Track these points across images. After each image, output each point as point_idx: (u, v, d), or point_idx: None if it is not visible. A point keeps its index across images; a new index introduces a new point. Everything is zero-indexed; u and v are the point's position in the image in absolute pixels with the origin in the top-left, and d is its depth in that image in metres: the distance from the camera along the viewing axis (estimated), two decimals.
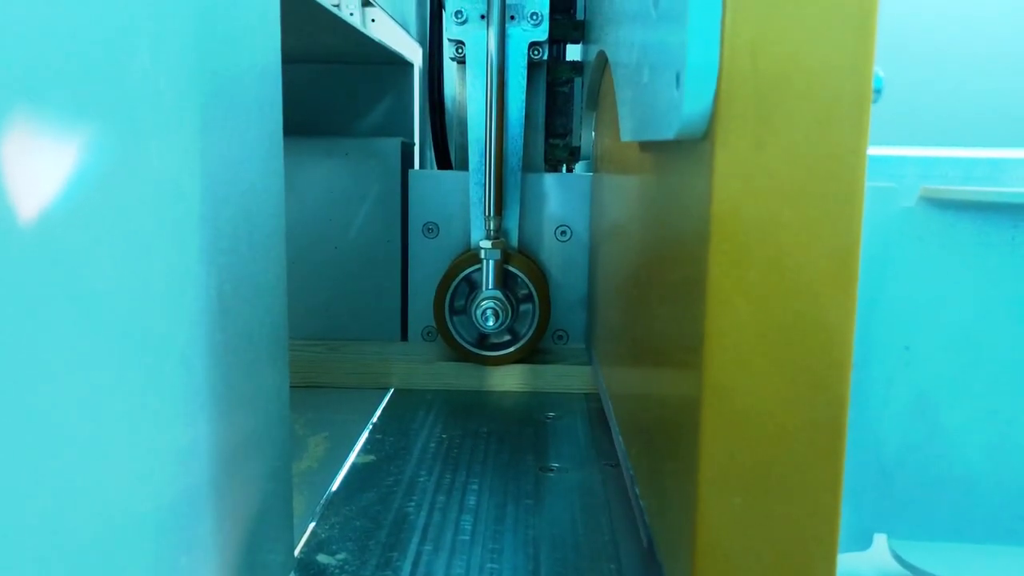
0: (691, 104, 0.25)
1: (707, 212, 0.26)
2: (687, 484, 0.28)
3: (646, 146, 0.40)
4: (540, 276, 0.73)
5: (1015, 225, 0.39)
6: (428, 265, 0.77)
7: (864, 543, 0.41)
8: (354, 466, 0.53)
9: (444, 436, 0.59)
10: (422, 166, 0.95)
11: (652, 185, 0.39)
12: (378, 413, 0.64)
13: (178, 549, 0.27)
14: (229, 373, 0.31)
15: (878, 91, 0.26)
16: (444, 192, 0.77)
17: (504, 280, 0.70)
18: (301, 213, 0.77)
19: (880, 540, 0.41)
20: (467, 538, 0.43)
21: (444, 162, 0.87)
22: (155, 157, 0.25)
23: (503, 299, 0.69)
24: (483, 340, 0.72)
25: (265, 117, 0.34)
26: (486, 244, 0.69)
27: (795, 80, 0.25)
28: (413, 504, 0.47)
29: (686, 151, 0.29)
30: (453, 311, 0.72)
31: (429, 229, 0.77)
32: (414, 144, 0.88)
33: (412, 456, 0.55)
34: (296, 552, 0.42)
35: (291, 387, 0.67)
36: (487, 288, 0.69)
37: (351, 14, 1.23)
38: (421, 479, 0.51)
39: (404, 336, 0.79)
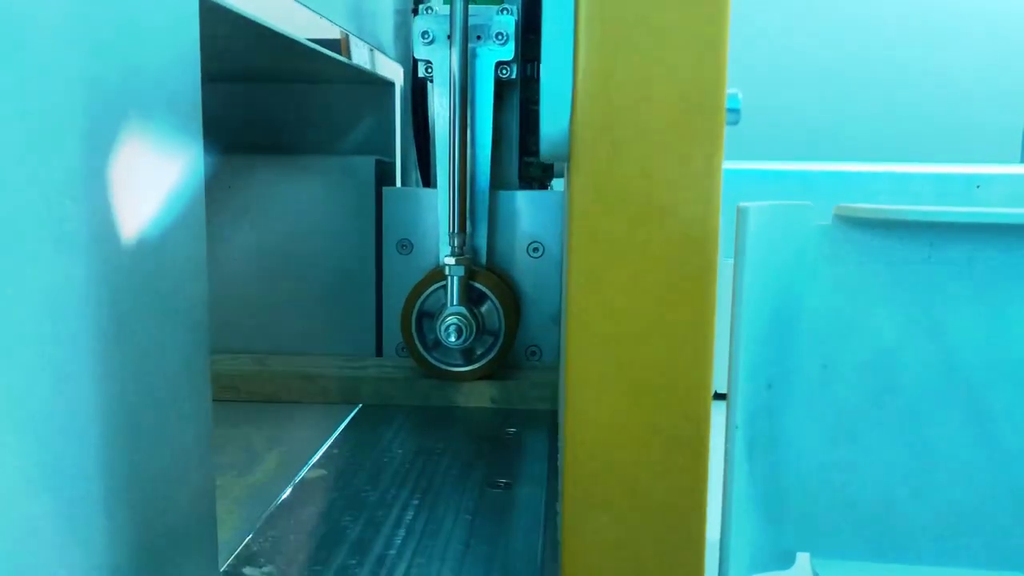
0: (548, 127, 0.26)
1: (569, 230, 0.26)
2: (564, 501, 0.29)
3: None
4: (507, 292, 0.73)
5: (930, 243, 0.39)
6: (402, 281, 0.78)
7: (786, 562, 0.41)
8: (303, 481, 0.54)
9: (399, 451, 0.59)
10: (406, 184, 0.96)
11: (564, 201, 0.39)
12: (340, 428, 0.65)
13: None
14: (129, 393, 0.32)
15: (735, 110, 0.26)
16: (418, 209, 0.78)
17: (470, 296, 0.71)
18: (276, 230, 0.79)
19: (802, 559, 0.41)
20: (394, 552, 0.44)
21: (429, 180, 0.88)
22: (23, 162, 0.25)
23: (467, 315, 0.69)
24: (451, 355, 0.72)
25: (177, 124, 0.35)
26: (450, 260, 0.69)
27: (648, 105, 0.25)
28: (351, 519, 0.48)
29: (568, 173, 0.30)
30: (420, 328, 0.72)
31: (403, 246, 0.78)
32: (393, 162, 0.88)
33: (363, 471, 0.56)
34: (224, 566, 0.42)
35: (260, 402, 0.68)
36: (452, 304, 0.70)
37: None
38: (365, 494, 0.52)
39: (379, 352, 0.80)
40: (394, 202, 0.78)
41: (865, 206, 0.39)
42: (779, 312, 0.40)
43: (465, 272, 0.70)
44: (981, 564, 0.40)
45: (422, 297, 0.72)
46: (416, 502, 0.50)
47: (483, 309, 0.72)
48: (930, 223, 0.38)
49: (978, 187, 0.73)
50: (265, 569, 0.42)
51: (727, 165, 0.85)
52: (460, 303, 0.69)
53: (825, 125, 1.49)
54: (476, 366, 0.72)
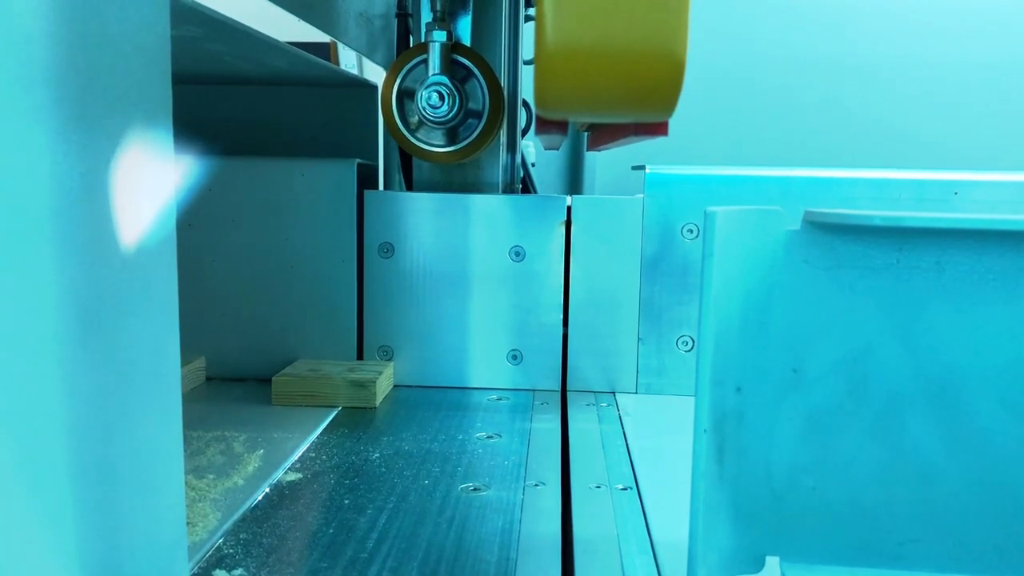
0: None
1: None
2: None
3: None
4: (492, 72, 0.69)
5: (899, 248, 0.39)
6: (383, 285, 0.78)
7: (756, 566, 0.41)
8: (278, 484, 0.54)
9: (376, 455, 0.59)
10: (389, 188, 0.96)
11: None
12: (319, 431, 0.65)
13: None
14: (95, 394, 0.32)
15: None
16: (400, 213, 0.78)
17: (453, 72, 0.67)
18: (257, 233, 0.78)
19: (772, 562, 0.41)
20: (366, 556, 0.44)
21: (412, 184, 0.88)
22: None
23: (450, 85, 0.66)
24: (434, 136, 0.70)
25: (147, 122, 0.34)
26: (432, 26, 0.66)
27: None
28: (323, 522, 0.48)
29: None
30: (402, 107, 0.69)
31: (385, 249, 0.78)
32: (376, 165, 0.88)
33: (338, 474, 0.55)
34: (195, 568, 0.42)
35: (241, 405, 0.68)
36: (433, 73, 0.66)
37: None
38: (339, 498, 0.51)
39: (360, 355, 0.80)
40: (376, 205, 0.78)
41: (833, 211, 0.39)
42: (749, 316, 0.40)
43: (447, 39, 0.66)
44: (952, 568, 0.40)
45: (403, 72, 0.68)
46: (391, 505, 0.50)
47: (467, 86, 0.69)
48: (898, 228, 0.38)
49: (956, 193, 0.73)
50: (236, 572, 0.42)
51: (706, 171, 0.85)
52: (442, 72, 0.66)
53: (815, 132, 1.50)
54: (460, 146, 0.69)
